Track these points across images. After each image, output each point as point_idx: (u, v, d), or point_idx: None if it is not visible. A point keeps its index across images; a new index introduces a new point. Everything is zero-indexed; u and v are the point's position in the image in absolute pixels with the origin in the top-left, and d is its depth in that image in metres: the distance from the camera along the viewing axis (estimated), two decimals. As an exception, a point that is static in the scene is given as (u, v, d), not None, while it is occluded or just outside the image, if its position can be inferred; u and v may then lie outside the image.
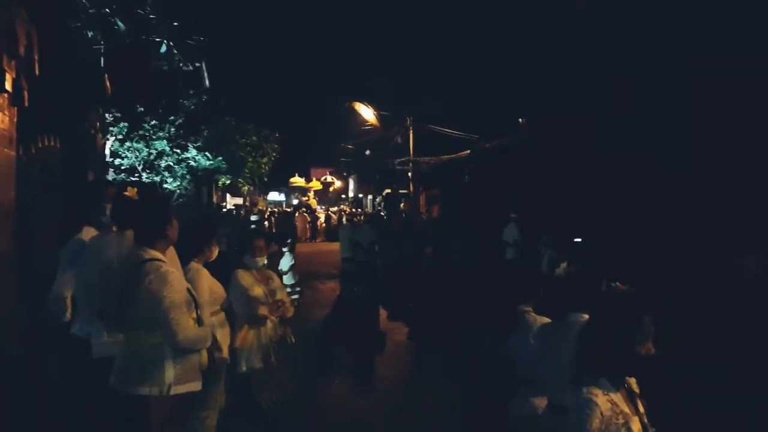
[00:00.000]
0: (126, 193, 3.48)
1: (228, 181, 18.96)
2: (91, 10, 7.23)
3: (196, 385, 3.13)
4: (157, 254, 3.06)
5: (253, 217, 16.15)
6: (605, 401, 1.93)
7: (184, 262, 3.59)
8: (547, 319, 3.23)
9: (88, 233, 3.84)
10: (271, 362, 4.26)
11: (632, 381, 2.11)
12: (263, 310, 4.23)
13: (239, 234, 9.04)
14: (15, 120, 4.32)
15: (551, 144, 15.49)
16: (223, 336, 3.80)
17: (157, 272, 2.96)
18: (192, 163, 12.42)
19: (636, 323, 2.00)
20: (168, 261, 3.21)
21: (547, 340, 2.92)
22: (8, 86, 3.98)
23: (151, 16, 7.74)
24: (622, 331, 1.99)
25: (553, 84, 15.51)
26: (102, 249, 3.55)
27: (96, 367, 3.41)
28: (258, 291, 4.27)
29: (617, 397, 1.98)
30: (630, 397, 2.05)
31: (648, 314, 2.02)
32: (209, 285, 3.80)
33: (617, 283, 2.12)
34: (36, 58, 4.50)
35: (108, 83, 8.46)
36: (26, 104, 4.32)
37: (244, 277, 4.27)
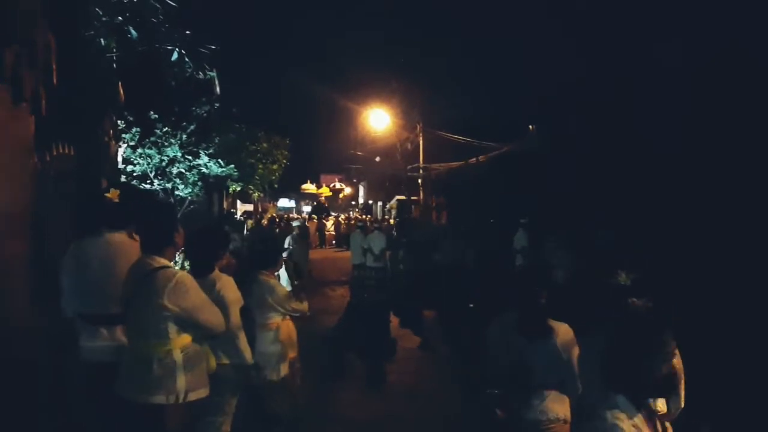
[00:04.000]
0: (107, 195, 3.51)
1: (239, 188, 19.06)
2: (104, 18, 7.28)
3: (205, 391, 3.17)
4: (166, 262, 3.11)
5: (295, 223, 16.47)
6: (630, 426, 1.89)
7: (203, 268, 3.63)
8: (566, 325, 3.22)
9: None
10: (296, 368, 4.39)
11: (660, 402, 2.03)
12: (303, 305, 4.40)
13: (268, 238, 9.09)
14: (33, 128, 4.37)
15: (552, 146, 15.48)
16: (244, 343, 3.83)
17: (172, 279, 3.00)
18: (204, 170, 12.47)
19: (656, 343, 1.92)
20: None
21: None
22: (27, 95, 4.03)
23: (166, 25, 7.79)
24: (641, 350, 1.92)
25: (554, 84, 15.51)
26: (83, 252, 3.57)
27: (83, 371, 3.48)
28: (285, 290, 4.42)
29: (639, 420, 1.93)
30: (650, 418, 2.00)
31: (669, 334, 1.94)
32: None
33: (633, 299, 2.00)
34: (54, 67, 4.55)
35: (121, 90, 8.53)
36: (44, 113, 4.37)
37: (269, 280, 4.36)
